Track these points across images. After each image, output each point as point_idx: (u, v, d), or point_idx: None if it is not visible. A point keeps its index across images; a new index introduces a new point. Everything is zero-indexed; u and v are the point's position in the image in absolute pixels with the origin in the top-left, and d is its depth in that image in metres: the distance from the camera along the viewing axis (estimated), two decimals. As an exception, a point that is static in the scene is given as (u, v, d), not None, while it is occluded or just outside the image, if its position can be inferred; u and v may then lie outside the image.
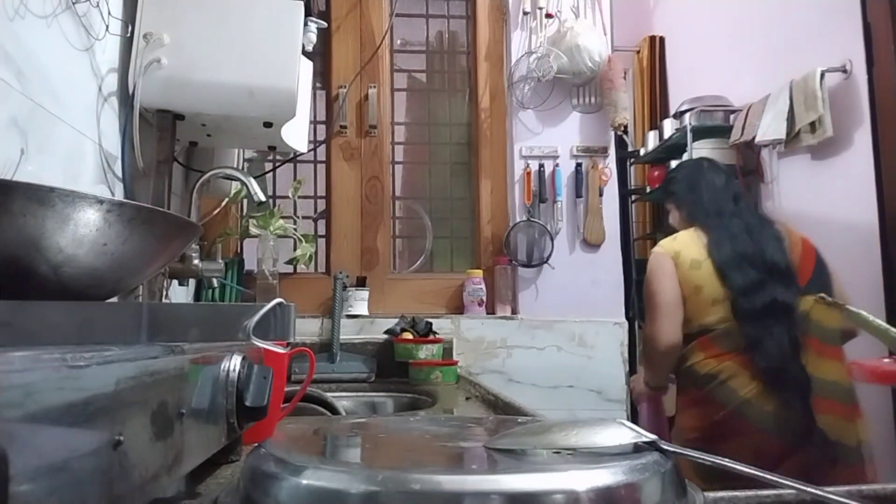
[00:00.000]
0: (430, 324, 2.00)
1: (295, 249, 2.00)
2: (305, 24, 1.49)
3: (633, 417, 2.05)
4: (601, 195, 2.25)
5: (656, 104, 3.16)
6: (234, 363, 0.52)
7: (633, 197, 3.17)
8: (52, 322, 0.42)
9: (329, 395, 1.32)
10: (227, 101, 1.28)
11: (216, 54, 1.27)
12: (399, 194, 2.34)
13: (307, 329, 1.99)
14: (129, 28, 1.25)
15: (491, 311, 2.16)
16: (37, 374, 0.26)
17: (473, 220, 2.31)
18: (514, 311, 2.18)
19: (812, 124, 2.10)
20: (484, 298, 2.12)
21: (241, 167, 1.84)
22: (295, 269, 2.14)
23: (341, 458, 0.53)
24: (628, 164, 3.14)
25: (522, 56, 2.26)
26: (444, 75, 2.44)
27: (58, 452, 0.27)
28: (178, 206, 1.56)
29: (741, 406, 1.67)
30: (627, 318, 2.18)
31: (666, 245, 1.86)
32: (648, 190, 2.97)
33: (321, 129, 2.28)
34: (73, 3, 1.04)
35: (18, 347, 0.27)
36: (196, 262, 1.34)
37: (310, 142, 1.93)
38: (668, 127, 2.73)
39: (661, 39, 3.23)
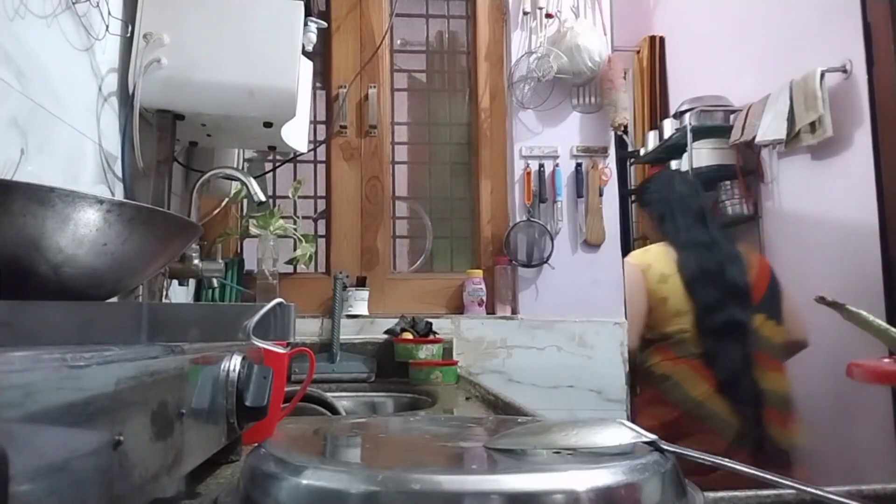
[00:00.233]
0: (430, 324, 2.00)
1: (295, 249, 2.00)
2: (305, 24, 1.49)
3: (633, 417, 2.06)
4: (601, 195, 2.25)
5: (656, 104, 3.16)
6: (234, 363, 0.52)
7: (633, 197, 3.17)
8: (52, 322, 0.42)
9: (329, 395, 1.32)
10: (227, 101, 1.28)
11: (216, 54, 1.27)
12: (399, 194, 2.34)
13: (307, 329, 1.99)
14: (129, 28, 1.25)
15: (491, 311, 2.16)
16: (37, 374, 0.26)
17: (473, 220, 2.31)
18: (514, 311, 2.18)
19: (812, 124, 2.10)
20: (484, 298, 2.12)
21: (241, 167, 1.84)
22: (295, 269, 2.14)
23: (341, 458, 0.53)
24: (628, 164, 3.14)
25: (522, 56, 2.26)
26: (444, 75, 2.44)
27: (58, 452, 0.27)
28: (178, 206, 1.56)
29: (694, 407, 1.84)
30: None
31: (638, 257, 2.03)
32: (648, 190, 2.97)
33: (321, 129, 2.28)
34: (73, 3, 1.04)
35: (18, 347, 0.27)
36: (196, 262, 1.34)
37: (310, 142, 1.93)
38: (668, 127, 2.73)
39: (661, 39, 3.23)
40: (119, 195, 1.24)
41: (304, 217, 2.23)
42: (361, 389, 1.76)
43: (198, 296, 1.85)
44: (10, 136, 0.85)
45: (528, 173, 2.23)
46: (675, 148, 2.70)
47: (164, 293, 1.34)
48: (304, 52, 1.45)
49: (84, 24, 1.08)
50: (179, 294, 1.66)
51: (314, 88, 2.09)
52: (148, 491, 0.36)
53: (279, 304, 0.52)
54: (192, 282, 1.69)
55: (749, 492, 0.53)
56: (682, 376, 1.86)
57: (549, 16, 2.27)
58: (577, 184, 2.24)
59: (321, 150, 2.27)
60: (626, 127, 2.34)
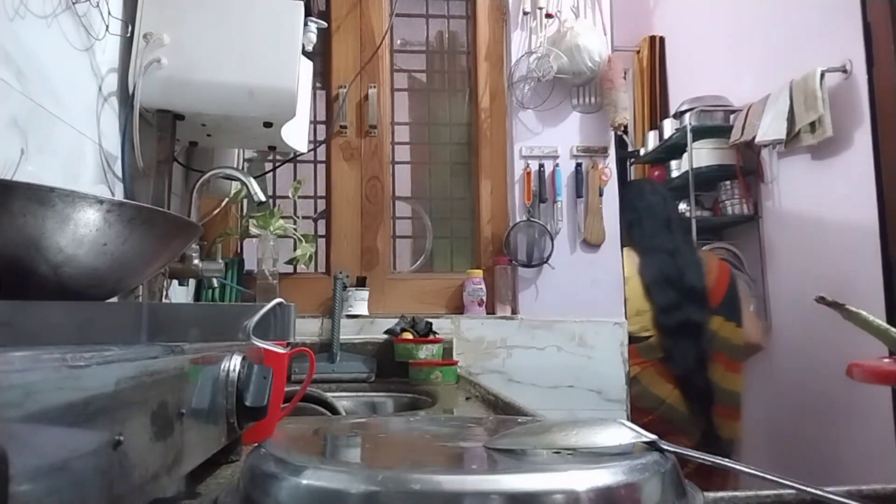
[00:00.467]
0: (430, 324, 2.00)
1: (295, 249, 2.00)
2: (305, 24, 1.49)
3: (633, 417, 2.06)
4: (601, 195, 2.24)
5: (656, 104, 3.16)
6: (234, 363, 0.52)
7: (633, 197, 3.16)
8: (52, 322, 0.42)
9: (329, 395, 1.32)
10: (227, 101, 1.28)
11: (216, 54, 1.27)
12: (399, 194, 2.34)
13: (307, 329, 1.99)
14: (129, 28, 1.25)
15: (491, 311, 2.16)
16: (37, 374, 0.26)
17: (473, 220, 2.31)
18: (514, 311, 2.18)
19: (812, 124, 2.10)
20: (484, 298, 2.12)
21: (241, 167, 1.84)
22: (295, 269, 2.14)
23: (341, 458, 0.53)
24: (628, 164, 3.14)
25: (522, 56, 2.26)
26: (444, 75, 2.44)
27: (58, 452, 0.27)
28: (178, 206, 1.56)
29: (660, 407, 2.00)
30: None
31: None
32: (648, 190, 2.97)
33: (321, 129, 2.28)
34: (73, 3, 1.04)
35: (18, 347, 0.27)
36: (196, 262, 1.34)
37: (310, 142, 1.93)
38: (668, 127, 2.73)
39: (661, 39, 3.23)
40: (119, 195, 1.24)
41: (304, 217, 2.23)
42: (361, 389, 1.76)
43: (198, 296, 1.85)
44: (10, 136, 0.85)
45: (528, 173, 2.23)
46: (675, 148, 2.70)
47: (164, 293, 1.34)
48: (304, 52, 1.45)
49: (84, 24, 1.08)
50: (179, 294, 1.66)
51: (314, 88, 2.09)
52: (148, 491, 0.36)
53: (279, 304, 0.52)
54: (192, 282, 1.69)
55: (749, 492, 0.53)
56: (649, 380, 2.02)
57: (549, 16, 2.27)
58: (577, 184, 2.24)
59: (321, 150, 2.27)
60: (626, 127, 2.34)
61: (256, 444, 0.48)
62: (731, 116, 2.57)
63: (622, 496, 0.39)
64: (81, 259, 0.48)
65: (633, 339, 2.06)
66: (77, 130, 1.07)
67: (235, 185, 1.76)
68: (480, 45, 2.33)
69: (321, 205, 2.27)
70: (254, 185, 1.34)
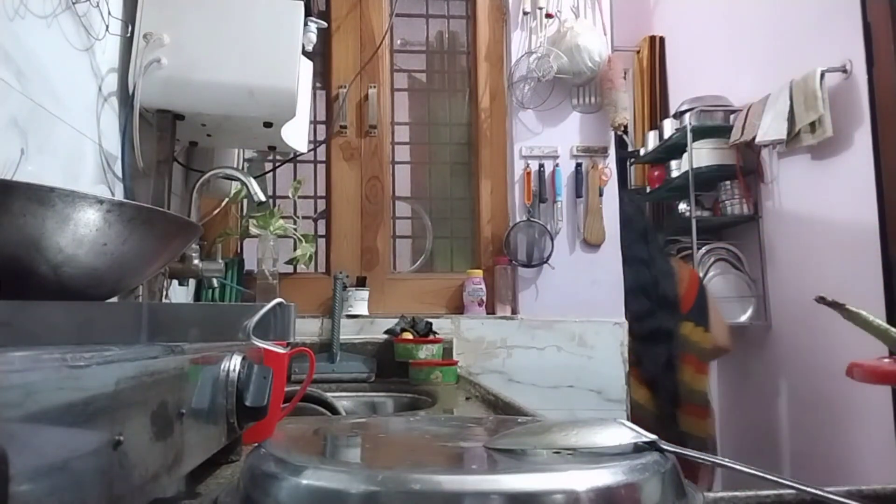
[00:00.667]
0: (430, 324, 2.00)
1: (295, 249, 2.00)
2: (305, 24, 1.49)
3: (633, 418, 2.06)
4: (601, 195, 2.25)
5: (656, 104, 3.16)
6: (234, 363, 0.52)
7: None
8: (52, 322, 0.42)
9: (329, 395, 1.32)
10: (227, 101, 1.28)
11: (216, 54, 1.27)
12: (399, 194, 2.34)
13: (307, 329, 1.99)
14: (129, 28, 1.25)
15: (491, 311, 2.16)
16: (37, 374, 0.26)
17: (473, 220, 2.31)
18: (514, 311, 2.18)
19: (812, 124, 2.10)
20: (484, 298, 2.12)
21: (241, 167, 1.84)
22: (295, 269, 2.14)
23: (341, 458, 0.53)
24: (628, 164, 3.14)
25: (522, 56, 2.26)
26: (444, 75, 2.44)
27: (58, 452, 0.27)
28: (178, 206, 1.56)
29: (637, 411, 2.09)
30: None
31: None
32: (648, 190, 2.97)
33: (321, 129, 2.28)
34: (73, 3, 1.04)
35: (18, 347, 0.27)
36: (196, 262, 1.34)
37: (310, 142, 1.93)
38: (668, 127, 2.73)
39: (661, 39, 3.23)
40: (119, 195, 1.24)
41: (304, 217, 2.23)
42: (361, 389, 1.76)
43: (198, 296, 1.85)
44: (10, 136, 0.85)
45: (528, 173, 2.23)
46: (674, 148, 2.70)
47: (164, 293, 1.34)
48: (304, 52, 1.45)
49: (84, 24, 1.08)
50: (179, 294, 1.66)
51: (314, 88, 2.09)
52: (148, 491, 0.36)
53: (279, 304, 0.52)
54: (192, 282, 1.69)
55: (749, 492, 0.53)
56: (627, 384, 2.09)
57: (549, 16, 2.27)
58: (577, 184, 2.24)
59: (321, 150, 2.27)
60: (626, 127, 2.34)
61: (256, 444, 0.48)
62: (731, 116, 2.57)
63: (622, 496, 0.39)
64: (81, 259, 0.48)
65: None
66: (77, 130, 1.07)
67: (235, 185, 1.76)
68: (480, 45, 2.33)
69: (321, 205, 2.27)
70: (254, 185, 1.34)
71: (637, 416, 2.11)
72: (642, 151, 2.98)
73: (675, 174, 2.72)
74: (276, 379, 0.58)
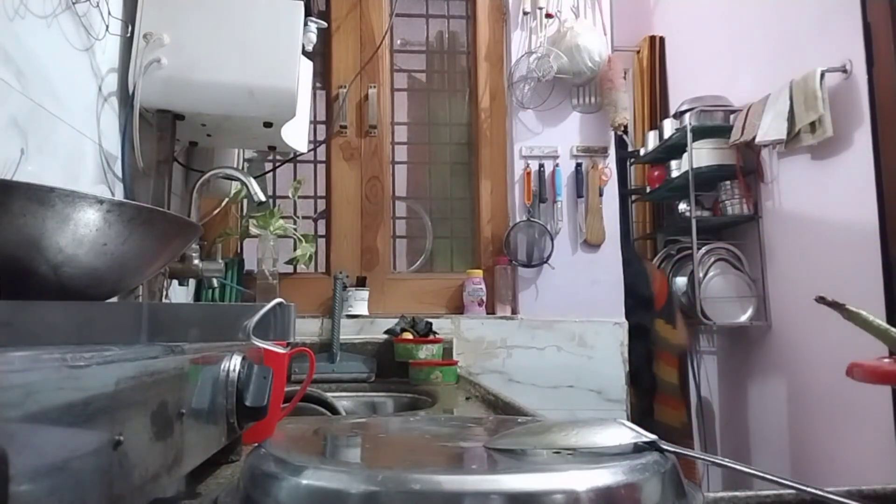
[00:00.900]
0: (430, 324, 2.00)
1: (295, 249, 2.00)
2: (305, 24, 1.49)
3: (633, 417, 2.05)
4: (601, 195, 2.25)
5: (656, 104, 3.16)
6: (234, 363, 0.52)
7: (633, 197, 3.17)
8: (52, 322, 0.42)
9: (329, 395, 1.32)
10: (227, 101, 1.28)
11: (216, 54, 1.27)
12: (399, 194, 2.34)
13: (307, 329, 1.99)
14: (129, 28, 1.25)
15: (491, 311, 2.16)
16: (37, 374, 0.26)
17: (473, 220, 2.31)
18: (514, 311, 2.18)
19: (812, 124, 2.10)
20: (484, 298, 2.12)
21: (241, 167, 1.84)
22: (295, 269, 2.14)
23: (341, 458, 0.53)
24: (628, 164, 3.14)
25: (522, 56, 2.26)
26: (444, 75, 2.44)
27: (58, 452, 0.27)
28: (178, 206, 1.56)
29: None
30: (627, 318, 2.19)
31: None
32: (648, 190, 2.97)
33: (321, 129, 2.28)
34: (73, 3, 1.04)
35: (18, 347, 0.27)
36: (196, 262, 1.34)
37: (310, 142, 1.93)
38: (668, 127, 2.73)
39: (661, 39, 3.23)
40: (119, 195, 1.24)
41: (304, 217, 2.23)
42: (361, 389, 1.76)
43: (198, 296, 1.85)
44: (10, 136, 0.85)
45: (528, 173, 2.23)
46: (675, 148, 2.70)
47: (164, 293, 1.34)
48: (304, 52, 1.45)
49: (84, 24, 1.08)
50: (179, 294, 1.66)
51: (314, 88, 2.09)
52: (148, 491, 0.36)
53: (279, 304, 0.52)
54: (192, 282, 1.69)
55: (749, 492, 0.53)
56: None
57: (549, 16, 2.27)
58: (577, 184, 2.24)
59: (321, 150, 2.27)
60: (626, 127, 2.34)
61: (256, 444, 0.48)
62: (731, 116, 2.57)
63: (622, 496, 0.39)
64: (81, 259, 0.48)
65: None
66: (77, 130, 1.07)
67: (235, 185, 1.76)
68: (480, 45, 2.33)
69: (321, 205, 2.27)
70: (254, 185, 1.34)
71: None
72: (642, 151, 2.97)
73: (675, 174, 2.72)
74: (276, 379, 0.58)
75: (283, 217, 1.92)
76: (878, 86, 1.96)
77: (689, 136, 2.53)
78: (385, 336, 2.00)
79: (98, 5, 1.11)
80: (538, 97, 2.25)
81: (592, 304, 2.16)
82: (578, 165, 2.25)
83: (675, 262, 2.70)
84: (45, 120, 0.95)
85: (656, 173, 2.86)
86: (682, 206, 2.70)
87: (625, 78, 2.43)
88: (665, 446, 0.46)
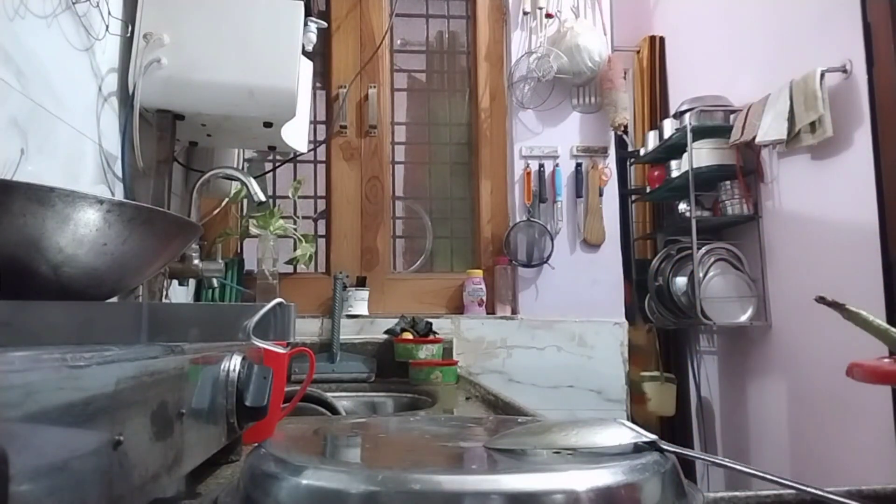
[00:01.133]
0: (430, 324, 2.00)
1: (295, 249, 2.00)
2: (305, 24, 1.49)
3: (633, 417, 2.05)
4: (601, 195, 2.25)
5: (656, 104, 3.16)
6: (234, 363, 0.52)
7: (633, 197, 3.16)
8: (52, 322, 0.42)
9: (329, 395, 1.32)
10: (227, 101, 1.28)
11: (216, 54, 1.27)
12: (399, 194, 2.34)
13: (307, 329, 1.99)
14: (129, 28, 1.25)
15: (491, 311, 2.16)
16: (37, 374, 0.26)
17: (473, 220, 2.31)
18: (514, 311, 2.18)
19: (812, 124, 2.10)
20: (484, 298, 2.12)
21: (241, 167, 1.84)
22: (295, 269, 2.14)
23: (341, 458, 0.53)
24: (628, 164, 3.14)
25: (522, 56, 2.26)
26: (444, 75, 2.44)
27: (58, 452, 0.27)
28: (178, 206, 1.56)
29: None
30: (627, 318, 2.19)
31: None
32: (648, 190, 2.97)
33: (321, 129, 2.28)
34: (73, 3, 1.04)
35: (18, 347, 0.27)
36: (196, 262, 1.34)
37: (310, 142, 1.93)
38: (668, 127, 2.72)
39: (661, 39, 3.22)
40: (119, 195, 1.24)
41: (304, 217, 2.23)
42: (361, 389, 1.76)
43: (198, 296, 1.85)
44: (10, 136, 0.85)
45: (528, 173, 2.23)
46: (675, 148, 2.70)
47: (164, 293, 1.34)
48: (304, 52, 1.45)
49: (84, 24, 1.08)
50: (179, 294, 1.66)
51: (314, 88, 2.09)
52: (148, 491, 0.36)
53: (279, 304, 0.52)
54: (192, 282, 1.69)
55: (749, 492, 0.53)
56: None
57: (549, 16, 2.27)
58: (577, 184, 2.24)
59: (321, 150, 2.27)
60: (626, 127, 2.34)
61: (256, 444, 0.48)
62: (731, 116, 2.56)
63: (622, 496, 0.39)
64: (81, 259, 0.48)
65: None
66: (77, 130, 1.07)
67: (235, 185, 1.76)
68: (480, 45, 2.33)
69: (321, 205, 2.27)
70: (254, 185, 1.34)
71: None
72: (642, 151, 2.97)
73: (675, 174, 2.72)
74: (276, 379, 0.58)
75: (283, 217, 1.92)
76: (878, 86, 1.96)
77: (689, 136, 2.53)
78: (385, 336, 2.00)
79: (98, 5, 1.11)
80: (538, 97, 2.25)
81: (592, 304, 2.16)
82: (578, 165, 2.25)
83: (675, 262, 2.70)
84: (45, 120, 0.95)
85: (656, 173, 2.86)
86: (682, 206, 2.70)
87: (625, 78, 2.44)
88: (665, 446, 0.46)
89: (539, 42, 2.25)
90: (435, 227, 2.35)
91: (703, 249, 2.56)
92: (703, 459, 0.46)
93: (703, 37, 2.98)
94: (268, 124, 1.36)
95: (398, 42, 2.39)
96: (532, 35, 2.29)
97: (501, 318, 2.12)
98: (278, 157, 2.15)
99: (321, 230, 2.26)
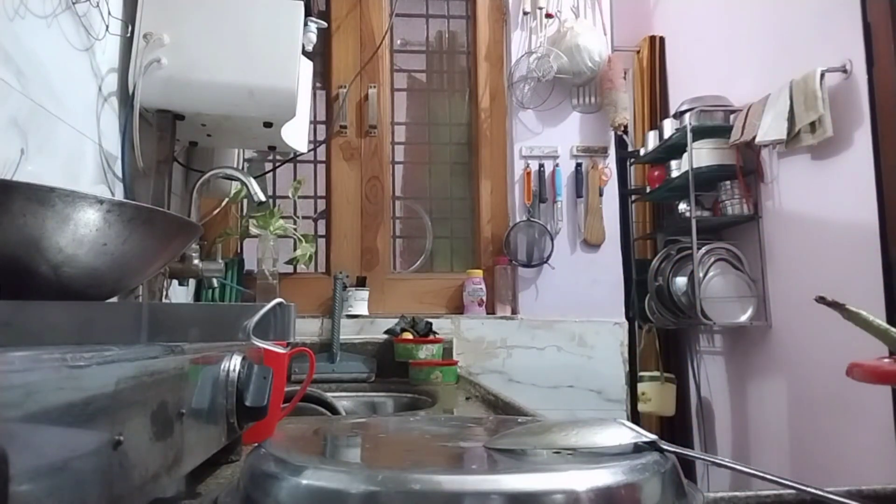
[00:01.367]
0: (430, 324, 2.00)
1: (295, 249, 2.00)
2: (305, 24, 1.49)
3: (634, 417, 2.05)
4: (601, 195, 2.25)
5: (656, 104, 3.15)
6: (234, 363, 0.52)
7: (633, 197, 3.16)
8: (52, 322, 0.42)
9: (329, 395, 1.32)
10: (227, 101, 1.28)
11: (216, 54, 1.27)
12: (399, 194, 2.34)
13: (307, 329, 1.99)
14: (129, 28, 1.25)
15: (491, 311, 2.16)
16: (37, 374, 0.26)
17: (473, 220, 2.31)
18: (514, 311, 2.18)
19: (812, 124, 2.10)
20: (484, 298, 2.12)
21: (241, 167, 1.84)
22: (295, 269, 2.14)
23: (341, 458, 0.53)
24: (628, 164, 3.13)
25: (522, 56, 2.26)
26: (444, 75, 2.44)
27: (58, 452, 0.27)
28: (178, 206, 1.56)
29: None
30: (627, 318, 2.19)
31: None
32: (648, 190, 2.97)
33: (321, 129, 2.28)
34: (73, 3, 1.04)
35: (18, 347, 0.27)
36: (196, 262, 1.34)
37: (310, 142, 1.93)
38: (668, 127, 2.72)
39: (661, 39, 3.22)
40: (119, 195, 1.24)
41: (304, 217, 2.23)
42: (361, 389, 1.76)
43: (198, 296, 1.85)
44: (10, 136, 0.85)
45: (528, 173, 2.23)
46: (675, 148, 2.70)
47: (164, 293, 1.34)
48: (304, 52, 1.45)
49: (84, 24, 1.08)
50: (179, 294, 1.66)
51: (314, 88, 2.09)
52: (148, 491, 0.36)
53: (279, 304, 0.52)
54: (192, 282, 1.69)
55: (749, 492, 0.53)
56: None
57: (549, 16, 2.27)
58: (577, 184, 2.24)
59: (321, 150, 2.27)
60: (626, 127, 2.34)
61: (256, 444, 0.48)
62: (731, 116, 2.56)
63: (622, 496, 0.39)
64: (81, 259, 0.48)
65: None
66: (77, 130, 1.07)
67: (235, 185, 1.76)
68: (480, 45, 2.33)
69: (321, 205, 2.27)
70: (254, 185, 1.34)
71: None
72: (642, 151, 2.97)
73: (675, 174, 2.72)
74: (276, 379, 0.58)
75: (283, 217, 1.92)
76: (878, 86, 1.96)
77: (689, 136, 2.53)
78: (385, 336, 2.00)
79: (98, 5, 1.11)
80: (538, 97, 2.25)
81: (592, 304, 2.16)
82: (578, 165, 2.25)
83: (675, 262, 2.70)
84: (45, 120, 0.95)
85: (656, 173, 2.86)
86: (682, 206, 2.70)
87: (625, 78, 2.44)
88: (665, 446, 0.46)
89: (539, 42, 2.25)
90: (435, 227, 2.35)
91: (703, 249, 2.56)
92: (703, 459, 0.46)
93: (703, 37, 2.98)
94: (268, 124, 1.36)
95: (398, 42, 2.39)
96: (532, 35, 2.29)
97: (501, 318, 2.12)
98: (278, 157, 2.15)
99: (321, 230, 2.26)
